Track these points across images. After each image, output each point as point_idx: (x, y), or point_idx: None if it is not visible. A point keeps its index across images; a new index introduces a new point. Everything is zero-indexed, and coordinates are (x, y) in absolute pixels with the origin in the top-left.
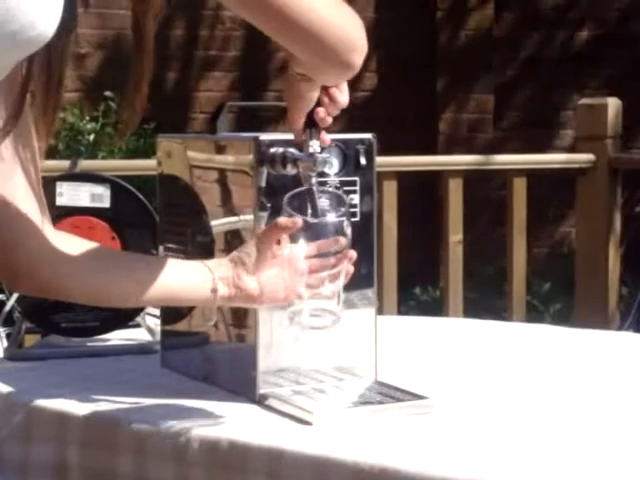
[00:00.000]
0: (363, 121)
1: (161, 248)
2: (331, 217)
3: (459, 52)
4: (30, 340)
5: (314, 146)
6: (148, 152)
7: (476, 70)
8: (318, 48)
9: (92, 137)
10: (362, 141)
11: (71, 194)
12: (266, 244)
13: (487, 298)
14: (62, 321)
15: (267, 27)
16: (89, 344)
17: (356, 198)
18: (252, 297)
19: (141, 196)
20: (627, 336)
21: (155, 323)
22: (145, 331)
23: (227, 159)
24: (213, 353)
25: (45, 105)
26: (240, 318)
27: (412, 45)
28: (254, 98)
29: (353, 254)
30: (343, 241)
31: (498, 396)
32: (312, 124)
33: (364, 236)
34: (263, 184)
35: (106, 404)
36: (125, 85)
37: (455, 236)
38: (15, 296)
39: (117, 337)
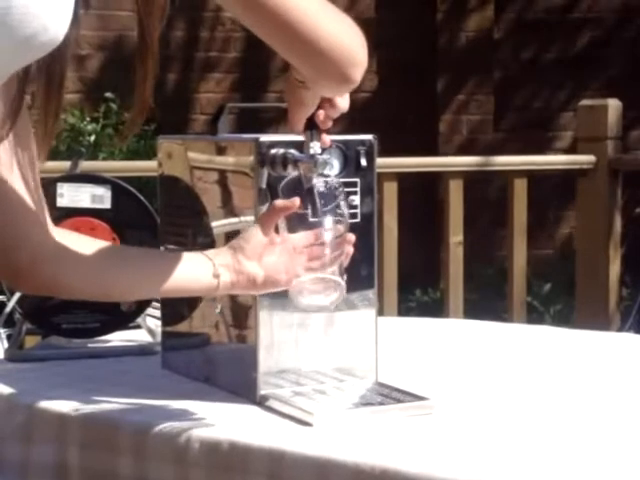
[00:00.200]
0: (364, 122)
1: (162, 249)
2: (329, 220)
3: (459, 53)
4: (31, 341)
5: (315, 147)
6: (149, 153)
7: (476, 71)
8: (319, 62)
9: (93, 138)
10: (363, 142)
11: (72, 195)
12: (265, 229)
13: (487, 299)
14: (63, 322)
15: (270, 39)
16: (90, 345)
17: (357, 199)
18: (254, 281)
19: (142, 197)
20: (627, 337)
21: (156, 324)
22: (146, 332)
23: (228, 160)
24: (214, 354)
25: (46, 107)
26: (241, 319)
27: (412, 46)
28: (254, 99)
29: (352, 237)
30: (341, 228)
31: (499, 397)
32: (313, 126)
33: (365, 237)
34: (264, 185)
35: (107, 405)
36: (127, 87)
37: (455, 237)
38: (16, 297)
39: (118, 338)
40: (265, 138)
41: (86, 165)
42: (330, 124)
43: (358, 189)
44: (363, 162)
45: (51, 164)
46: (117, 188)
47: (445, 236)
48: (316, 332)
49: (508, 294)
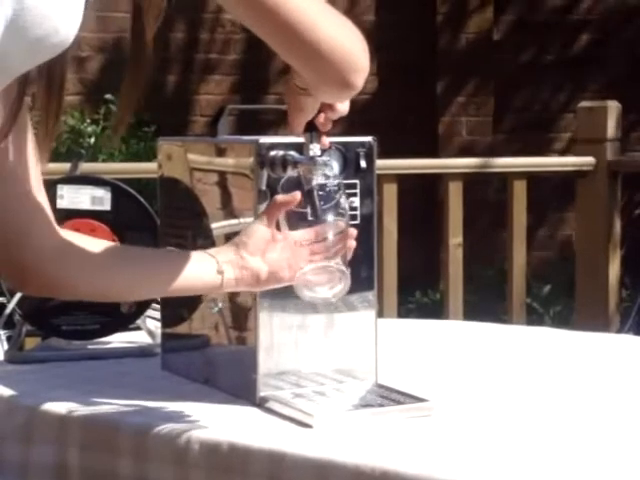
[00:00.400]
0: (363, 124)
1: None
2: (330, 217)
3: (459, 55)
4: (31, 343)
5: (314, 149)
6: (149, 155)
7: (476, 73)
8: (320, 66)
9: (93, 140)
10: (362, 144)
11: (72, 197)
12: (267, 224)
13: (487, 301)
14: (63, 324)
15: (272, 41)
16: (90, 347)
17: (356, 201)
18: (258, 277)
19: (142, 199)
20: (627, 339)
21: (156, 326)
22: (146, 334)
23: (227, 162)
24: (214, 356)
25: (47, 108)
26: (240, 320)
27: (412, 48)
28: (254, 101)
29: (353, 231)
30: (342, 224)
31: (498, 399)
32: (312, 128)
33: (364, 239)
34: (263, 187)
35: (106, 406)
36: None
37: (455, 239)
38: (16, 299)
39: (118, 340)
40: (265, 140)
41: (86, 167)
42: (330, 126)
43: (358, 191)
44: (363, 164)
45: (51, 166)
46: (117, 190)
47: (445, 238)
48: (316, 334)
49: (508, 296)
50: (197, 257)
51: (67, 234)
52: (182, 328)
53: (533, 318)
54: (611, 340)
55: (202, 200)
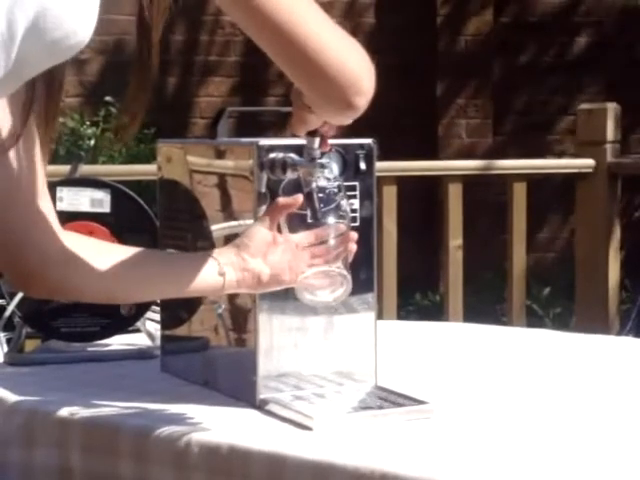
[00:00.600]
0: (363, 126)
1: None
2: (331, 220)
3: (459, 57)
4: (30, 345)
5: (314, 151)
6: (148, 157)
7: (476, 75)
8: (324, 86)
9: (92, 142)
10: (362, 146)
11: (71, 199)
12: (268, 226)
13: (487, 303)
14: (62, 326)
15: (278, 59)
16: (89, 349)
17: (356, 203)
18: (259, 278)
19: (141, 201)
20: (627, 341)
21: (155, 328)
22: (145, 336)
23: (227, 164)
24: (213, 358)
25: (45, 111)
26: (240, 323)
27: (412, 50)
28: (254, 103)
29: (354, 235)
30: (343, 227)
31: (498, 401)
32: (314, 131)
33: (364, 241)
34: (263, 189)
35: (106, 409)
36: (125, 90)
37: (455, 241)
38: (15, 301)
39: (117, 342)
40: (265, 142)
41: (86, 169)
42: (333, 133)
43: (357, 193)
44: (362, 166)
45: (51, 168)
46: (117, 192)
47: (445, 240)
48: (316, 336)
49: (508, 298)
50: (198, 258)
51: (71, 236)
52: (182, 330)
53: (533, 320)
54: (611, 342)
55: (202, 202)
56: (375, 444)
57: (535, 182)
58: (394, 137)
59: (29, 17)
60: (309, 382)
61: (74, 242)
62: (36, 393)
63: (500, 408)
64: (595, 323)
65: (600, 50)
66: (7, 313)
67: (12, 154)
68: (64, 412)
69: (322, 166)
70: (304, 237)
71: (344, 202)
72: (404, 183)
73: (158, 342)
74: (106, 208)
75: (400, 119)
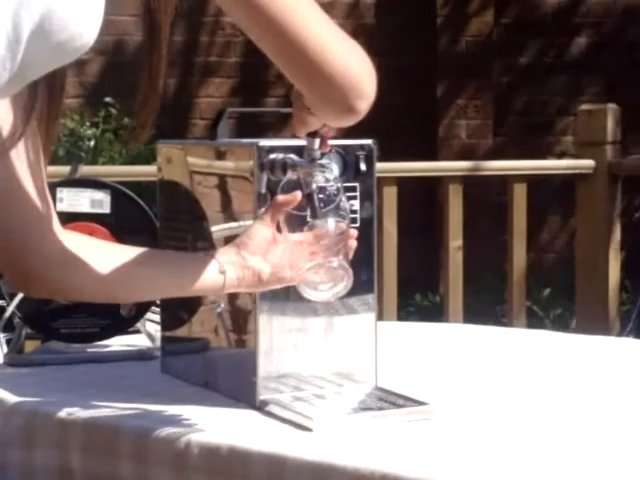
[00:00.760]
0: (363, 127)
1: None
2: (331, 220)
3: (459, 58)
4: (30, 346)
5: (314, 152)
6: (148, 158)
7: (476, 76)
8: (325, 89)
9: (92, 143)
10: (362, 147)
11: (71, 200)
12: (268, 224)
13: (487, 304)
14: (62, 327)
15: (279, 61)
16: (89, 350)
17: (356, 204)
18: (259, 277)
19: (141, 202)
20: (627, 342)
21: (155, 329)
22: (145, 337)
23: (227, 165)
24: (213, 359)
25: (47, 112)
26: (240, 324)
27: (412, 51)
28: (254, 104)
29: (354, 232)
30: (343, 225)
31: (498, 402)
32: (315, 132)
33: (364, 242)
34: (263, 190)
35: (106, 410)
36: (127, 92)
37: (455, 242)
38: (15, 302)
39: (117, 343)
40: (265, 143)
41: (86, 170)
42: (333, 133)
43: (357, 194)
44: (362, 167)
45: (50, 169)
46: (117, 193)
47: (445, 240)
48: (316, 337)
49: (508, 299)
50: (199, 258)
51: (71, 236)
52: (182, 331)
53: (533, 321)
54: (611, 343)
55: (202, 203)
56: (375, 445)
57: (535, 183)
58: (394, 138)
59: (35, 19)
60: (309, 383)
61: (74, 242)
62: (36, 394)
63: (500, 409)
64: (595, 324)
65: (600, 50)
66: (7, 314)
67: (13, 154)
68: (64, 413)
69: (322, 167)
70: (304, 236)
71: (344, 202)
72: (404, 184)
73: (158, 343)
74: (106, 209)
75: (400, 120)
